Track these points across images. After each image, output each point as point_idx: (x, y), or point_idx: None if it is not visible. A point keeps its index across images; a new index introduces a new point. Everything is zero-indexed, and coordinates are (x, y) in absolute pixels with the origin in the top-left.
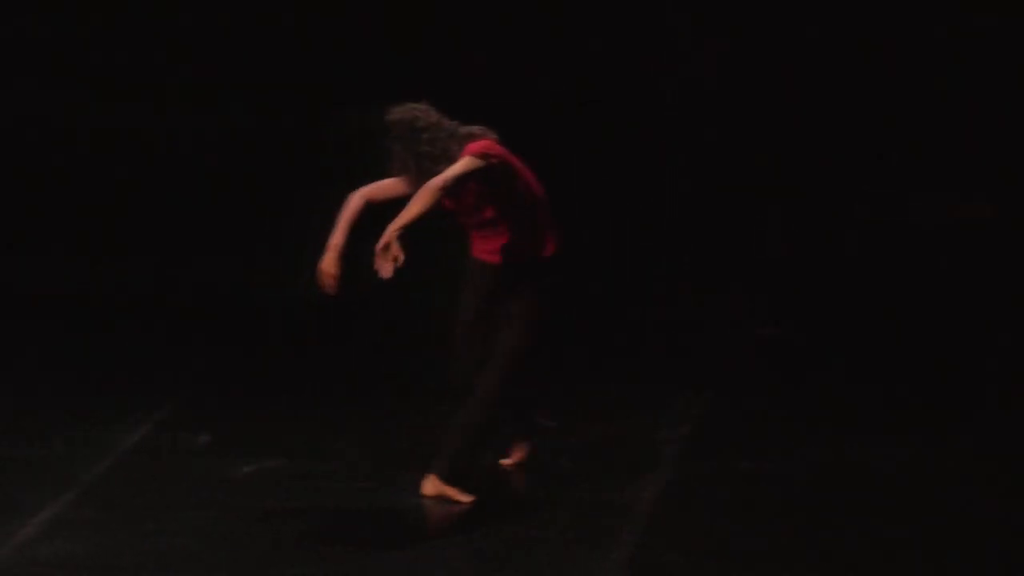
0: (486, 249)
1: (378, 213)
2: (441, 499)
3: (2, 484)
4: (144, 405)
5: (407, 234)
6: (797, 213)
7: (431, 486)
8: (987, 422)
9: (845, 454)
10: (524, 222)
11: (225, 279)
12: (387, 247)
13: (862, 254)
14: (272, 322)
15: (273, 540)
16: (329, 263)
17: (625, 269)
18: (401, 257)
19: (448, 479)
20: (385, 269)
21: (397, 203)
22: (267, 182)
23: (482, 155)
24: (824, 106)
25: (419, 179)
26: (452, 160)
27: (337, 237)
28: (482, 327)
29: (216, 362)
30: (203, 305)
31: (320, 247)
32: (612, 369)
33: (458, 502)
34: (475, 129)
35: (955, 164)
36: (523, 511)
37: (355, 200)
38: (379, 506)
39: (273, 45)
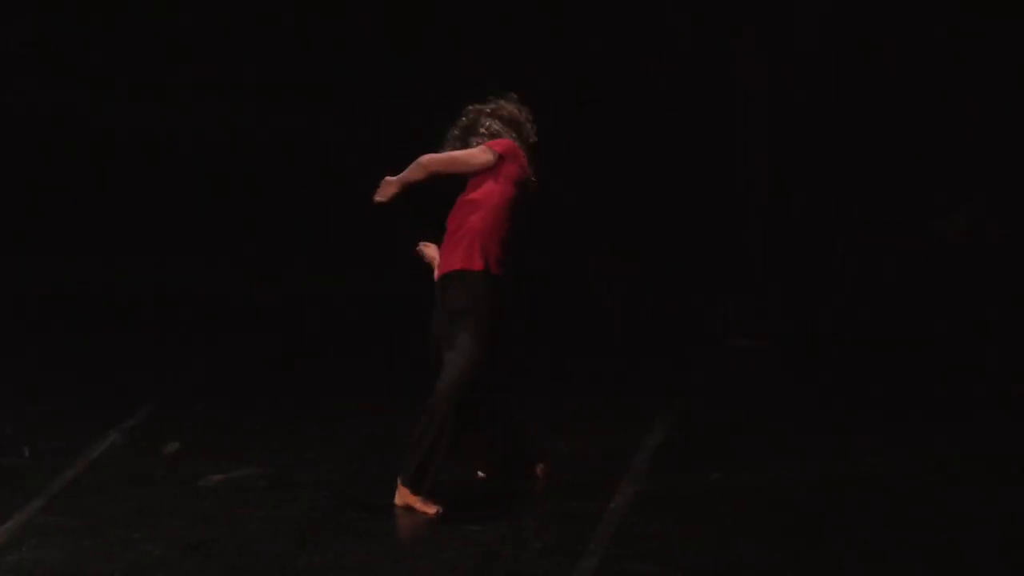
0: (443, 261)
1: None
2: (410, 509)
3: None
4: (113, 412)
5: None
6: (778, 220)
7: (400, 496)
8: (955, 428)
9: (816, 464)
10: (481, 231)
11: (197, 284)
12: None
13: (844, 262)
14: (243, 330)
15: (241, 549)
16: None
17: (600, 274)
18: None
19: (414, 489)
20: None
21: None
22: (259, 182)
23: (494, 152)
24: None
25: None
26: None
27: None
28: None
29: (185, 370)
30: (173, 311)
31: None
32: (582, 379)
33: (424, 513)
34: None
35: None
36: (492, 521)
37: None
38: (349, 516)
39: (273, 45)
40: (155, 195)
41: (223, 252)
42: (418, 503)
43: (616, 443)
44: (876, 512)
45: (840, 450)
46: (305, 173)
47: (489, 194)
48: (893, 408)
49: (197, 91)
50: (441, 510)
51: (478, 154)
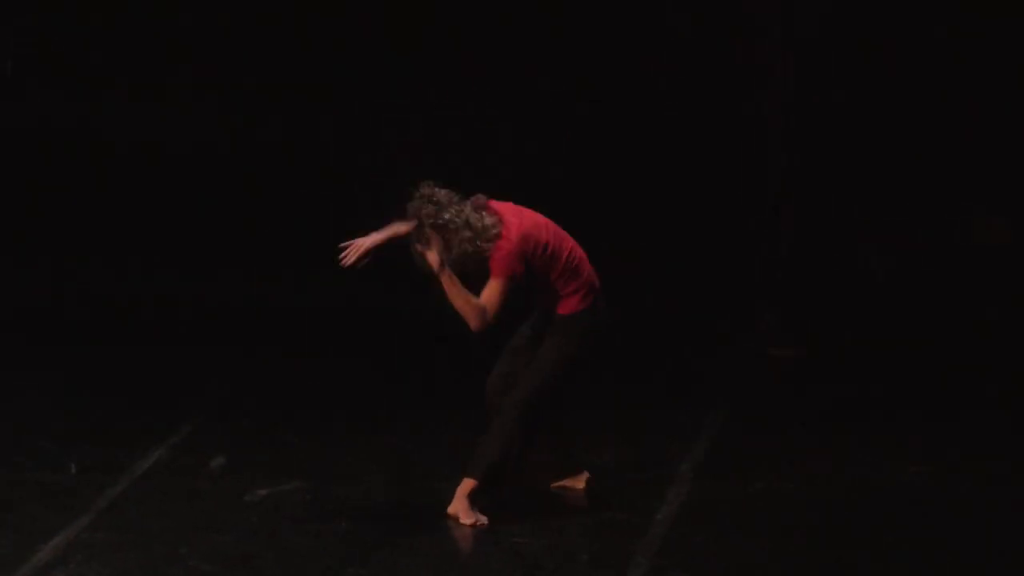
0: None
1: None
2: (455, 520)
3: (16, 507)
4: (159, 427)
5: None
6: (809, 226)
7: (456, 500)
8: (1004, 441)
9: (860, 473)
10: (556, 286)
11: (238, 294)
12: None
13: (878, 272)
14: (287, 340)
15: (287, 564)
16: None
17: (633, 284)
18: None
19: (481, 486)
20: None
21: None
22: (278, 187)
23: (510, 276)
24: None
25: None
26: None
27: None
28: (523, 358)
29: (230, 383)
30: (217, 323)
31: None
32: (624, 390)
33: (466, 523)
34: (487, 219)
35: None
36: (538, 533)
37: None
38: (394, 528)
39: (273, 45)
40: (167, 199)
41: (241, 259)
42: (464, 512)
43: (659, 453)
44: (923, 523)
45: (885, 458)
46: (328, 177)
47: (542, 285)
48: (934, 414)
49: (197, 91)
50: (485, 521)
51: (504, 283)
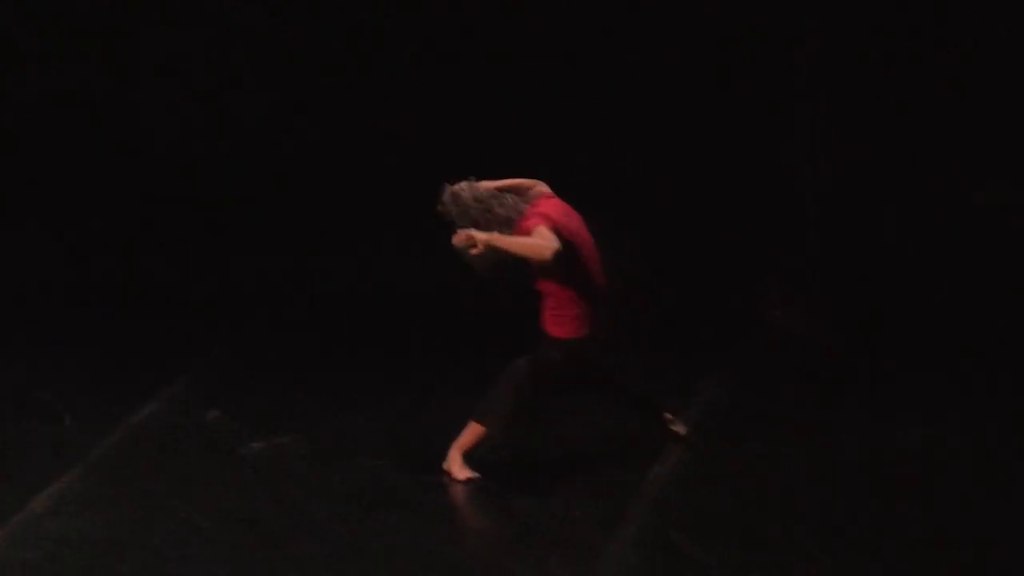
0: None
1: None
2: (449, 476)
3: (11, 458)
4: (154, 381)
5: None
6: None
7: (449, 457)
8: (997, 410)
9: (855, 439)
10: (553, 300)
11: (236, 261)
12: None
13: (886, 232)
14: (282, 300)
15: (282, 517)
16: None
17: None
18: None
19: (489, 429)
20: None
21: None
22: (280, 171)
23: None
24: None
25: None
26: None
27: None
28: None
29: (225, 340)
30: (212, 284)
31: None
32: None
33: (459, 478)
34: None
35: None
36: (533, 493)
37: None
38: (388, 485)
39: (276, 46)
40: (163, 180)
41: (254, 237)
42: (457, 467)
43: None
44: (915, 490)
45: (883, 429)
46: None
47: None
48: (935, 388)
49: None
50: (476, 476)
51: (547, 251)
